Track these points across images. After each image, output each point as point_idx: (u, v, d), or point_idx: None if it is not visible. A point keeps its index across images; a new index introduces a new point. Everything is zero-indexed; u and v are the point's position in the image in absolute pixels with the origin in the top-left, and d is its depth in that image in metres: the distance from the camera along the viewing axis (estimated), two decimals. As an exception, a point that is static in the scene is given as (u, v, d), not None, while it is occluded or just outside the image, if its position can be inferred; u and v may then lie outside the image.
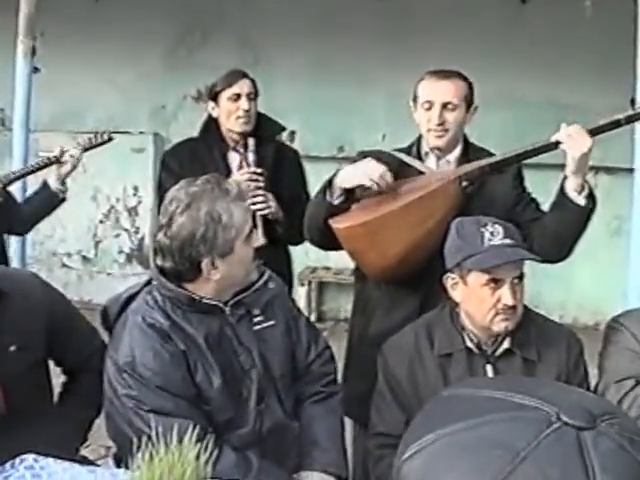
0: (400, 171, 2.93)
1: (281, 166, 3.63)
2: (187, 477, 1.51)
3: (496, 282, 2.42)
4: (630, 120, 2.77)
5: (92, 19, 6.95)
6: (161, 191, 3.55)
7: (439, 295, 2.67)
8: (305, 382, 2.60)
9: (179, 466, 1.51)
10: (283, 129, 3.88)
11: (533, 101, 6.47)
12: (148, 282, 2.44)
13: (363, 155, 3.04)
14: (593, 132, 2.71)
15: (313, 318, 6.76)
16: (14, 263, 4.20)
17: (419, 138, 3.02)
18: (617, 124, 2.74)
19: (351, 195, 2.84)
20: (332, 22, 6.68)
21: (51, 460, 2.15)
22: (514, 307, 2.44)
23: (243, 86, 3.54)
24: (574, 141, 2.69)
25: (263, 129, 3.64)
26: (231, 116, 3.53)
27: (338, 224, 2.85)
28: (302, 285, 6.86)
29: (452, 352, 2.54)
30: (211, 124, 3.65)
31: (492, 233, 2.42)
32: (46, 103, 6.38)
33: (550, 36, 6.35)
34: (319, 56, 6.71)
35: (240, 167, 3.55)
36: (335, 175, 2.86)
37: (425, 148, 2.99)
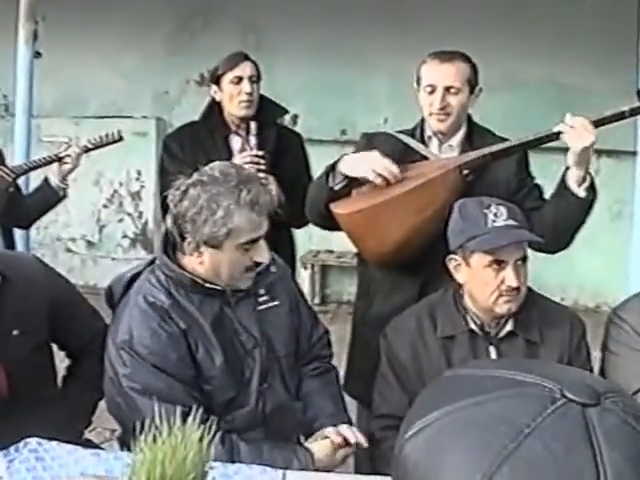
0: (403, 154, 2.92)
1: (283, 149, 3.62)
2: (190, 460, 1.52)
3: (499, 263, 2.42)
4: (634, 113, 2.73)
5: (94, 3, 6.92)
6: (163, 175, 3.56)
7: (440, 278, 2.68)
8: (304, 364, 2.63)
9: (182, 448, 1.52)
10: (285, 112, 3.87)
11: (535, 83, 6.46)
12: (151, 262, 2.45)
13: (367, 137, 3.06)
14: (597, 123, 2.67)
15: (317, 301, 6.82)
16: (18, 248, 4.21)
17: (422, 121, 2.99)
18: (621, 116, 2.71)
19: (354, 180, 2.83)
20: (334, 5, 6.65)
21: (55, 443, 2.16)
22: (518, 289, 2.44)
23: (245, 69, 3.53)
24: (577, 133, 2.64)
25: (265, 112, 3.63)
26: (233, 99, 3.52)
27: (338, 209, 2.86)
28: (305, 268, 6.91)
29: (455, 334, 2.54)
30: (214, 108, 3.64)
31: (495, 214, 2.42)
32: (48, 88, 6.36)
33: (552, 17, 6.32)
34: (321, 39, 6.69)
35: (242, 150, 3.55)
36: (339, 160, 2.86)
37: (428, 132, 2.97)
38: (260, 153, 3.48)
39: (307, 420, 2.55)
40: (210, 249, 2.28)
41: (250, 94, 3.50)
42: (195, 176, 2.28)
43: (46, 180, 3.77)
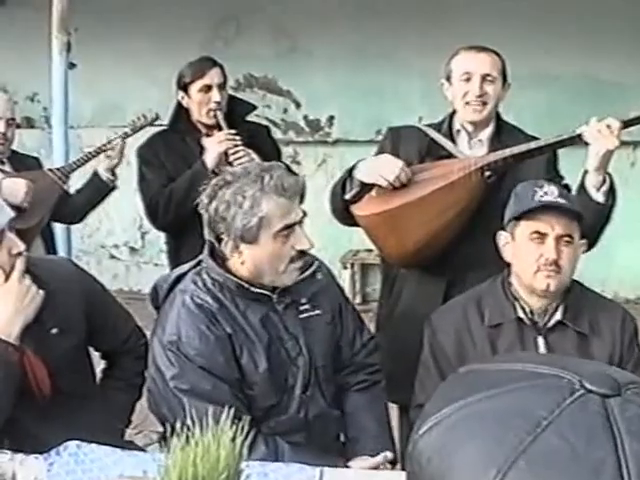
0: (429, 149, 2.91)
1: (254, 145, 3.52)
2: (222, 459, 1.52)
3: (541, 236, 2.39)
4: None
5: (126, 14, 6.98)
6: (143, 185, 3.56)
7: (467, 272, 2.76)
8: (349, 372, 2.59)
9: (214, 449, 1.52)
10: (254, 108, 3.82)
11: (569, 78, 6.42)
12: (197, 263, 2.44)
13: (393, 131, 3.04)
14: (626, 124, 2.63)
15: (358, 300, 6.83)
16: (60, 255, 4.24)
17: (451, 115, 2.96)
18: None
19: (367, 185, 2.83)
20: (366, 7, 6.67)
21: (94, 446, 2.16)
22: (557, 264, 2.39)
23: (214, 77, 3.48)
24: (602, 137, 2.59)
25: (234, 111, 3.59)
26: (202, 108, 3.48)
27: (359, 211, 2.87)
28: (345, 268, 6.97)
29: (502, 322, 2.49)
30: (181, 113, 3.59)
31: (546, 192, 2.39)
32: (86, 100, 6.44)
33: (583, 9, 6.27)
34: (354, 41, 6.70)
35: None
36: (355, 167, 2.86)
37: (457, 125, 2.94)
38: (232, 131, 3.42)
39: (349, 438, 2.52)
40: (248, 245, 2.26)
41: (219, 102, 3.45)
42: (220, 179, 2.28)
43: (96, 174, 3.81)
